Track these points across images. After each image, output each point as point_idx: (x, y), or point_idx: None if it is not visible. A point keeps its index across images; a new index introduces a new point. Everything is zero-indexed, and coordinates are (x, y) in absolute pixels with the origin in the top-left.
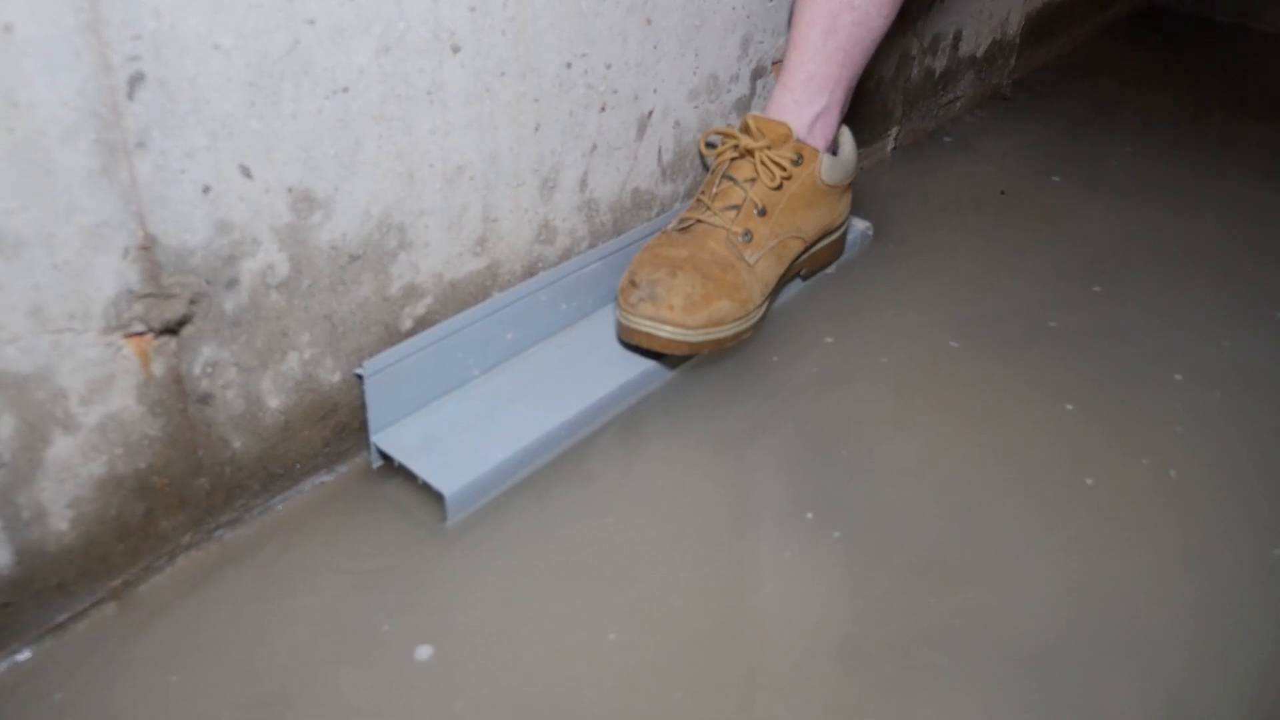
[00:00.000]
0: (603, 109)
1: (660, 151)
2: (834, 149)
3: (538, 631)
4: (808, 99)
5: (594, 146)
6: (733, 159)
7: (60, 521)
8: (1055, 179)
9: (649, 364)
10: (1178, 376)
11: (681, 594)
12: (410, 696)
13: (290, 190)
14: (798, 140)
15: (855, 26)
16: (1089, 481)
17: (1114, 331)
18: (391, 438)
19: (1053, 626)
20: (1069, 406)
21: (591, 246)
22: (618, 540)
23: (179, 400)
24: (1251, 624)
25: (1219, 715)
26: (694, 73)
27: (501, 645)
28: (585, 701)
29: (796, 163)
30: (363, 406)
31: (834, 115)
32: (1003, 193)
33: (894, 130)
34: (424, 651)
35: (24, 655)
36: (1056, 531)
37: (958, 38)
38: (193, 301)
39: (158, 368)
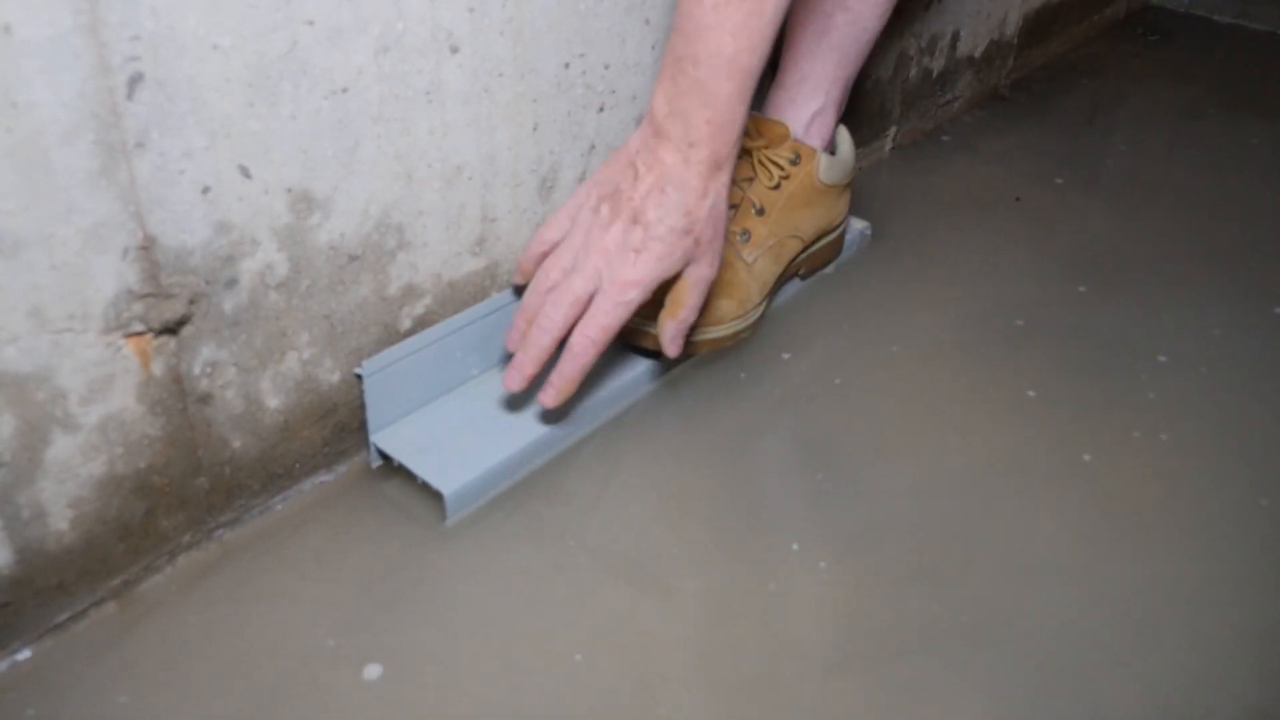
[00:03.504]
0: (601, 109)
1: None
2: (832, 149)
3: (514, 647)
4: (803, 99)
5: (592, 146)
6: None
7: (60, 521)
8: (1058, 180)
9: (647, 364)
10: (1161, 358)
11: (665, 617)
12: (357, 716)
13: (289, 190)
14: (795, 140)
15: (849, 26)
16: (1086, 458)
17: (1106, 322)
18: (391, 437)
19: (1060, 618)
20: (1059, 397)
21: None
22: (594, 559)
23: (179, 400)
24: (1256, 605)
25: (1221, 700)
26: None
27: (471, 661)
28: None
29: (794, 162)
30: (362, 406)
31: (830, 115)
32: (1018, 199)
33: (892, 130)
34: (372, 671)
35: (24, 654)
36: (1059, 510)
37: (955, 38)
38: (192, 301)
39: (157, 367)
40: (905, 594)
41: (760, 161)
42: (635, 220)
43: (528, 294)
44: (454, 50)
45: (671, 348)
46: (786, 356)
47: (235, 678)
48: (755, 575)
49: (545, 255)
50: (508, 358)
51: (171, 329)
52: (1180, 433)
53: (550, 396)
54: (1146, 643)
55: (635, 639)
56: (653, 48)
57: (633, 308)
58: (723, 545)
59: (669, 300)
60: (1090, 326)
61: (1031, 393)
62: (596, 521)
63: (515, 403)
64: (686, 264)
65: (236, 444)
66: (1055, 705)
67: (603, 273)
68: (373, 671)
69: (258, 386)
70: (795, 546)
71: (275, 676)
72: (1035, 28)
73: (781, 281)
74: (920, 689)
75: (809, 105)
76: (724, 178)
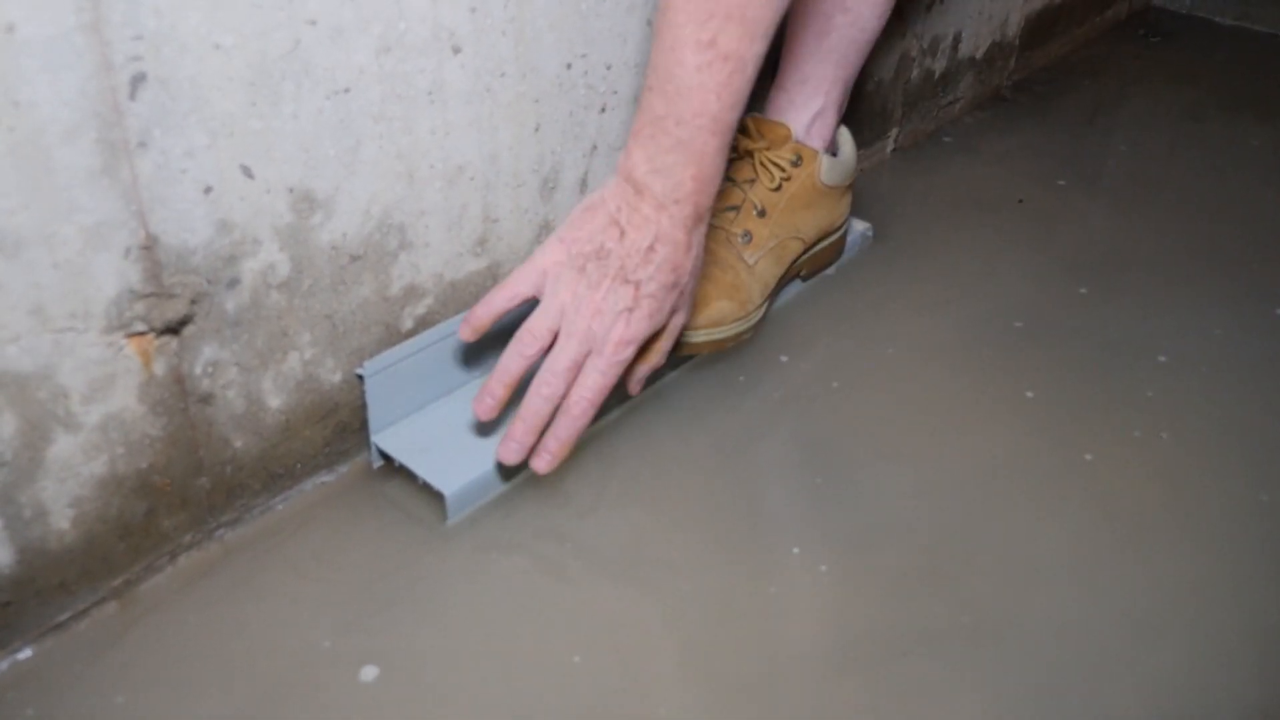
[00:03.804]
0: (603, 110)
1: None
2: (834, 150)
3: (511, 648)
4: (803, 101)
5: (594, 147)
6: (732, 160)
7: (61, 520)
8: (1060, 182)
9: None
10: (1161, 358)
11: (663, 619)
12: (354, 717)
13: (291, 190)
14: (797, 141)
15: (849, 27)
16: (1088, 457)
17: (1107, 322)
18: (392, 438)
19: (1062, 617)
20: (1060, 398)
21: None
22: (592, 561)
23: (180, 400)
24: (1258, 602)
25: (1222, 698)
26: None
27: (469, 663)
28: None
29: (796, 164)
30: (363, 406)
31: (831, 116)
32: (1021, 201)
33: (894, 131)
34: (370, 672)
35: (25, 654)
36: (1061, 509)
37: (957, 39)
38: (194, 301)
39: (159, 367)
40: (907, 595)
41: (762, 163)
42: (625, 280)
43: (508, 357)
44: (456, 50)
45: (636, 388)
46: (786, 358)
47: (233, 678)
48: (754, 578)
49: (506, 311)
50: None
51: (173, 329)
52: (1181, 431)
53: (545, 462)
54: (1148, 641)
55: (633, 641)
56: None
57: (626, 365)
58: (722, 548)
59: (647, 348)
60: (1091, 327)
61: (1032, 393)
62: (595, 524)
63: (517, 403)
64: (672, 314)
65: (238, 444)
66: (1057, 704)
67: (595, 334)
68: (369, 673)
69: (259, 386)
70: (796, 550)
71: (273, 677)
72: (1037, 29)
73: (783, 283)
74: (922, 689)
75: (809, 107)
76: (704, 227)
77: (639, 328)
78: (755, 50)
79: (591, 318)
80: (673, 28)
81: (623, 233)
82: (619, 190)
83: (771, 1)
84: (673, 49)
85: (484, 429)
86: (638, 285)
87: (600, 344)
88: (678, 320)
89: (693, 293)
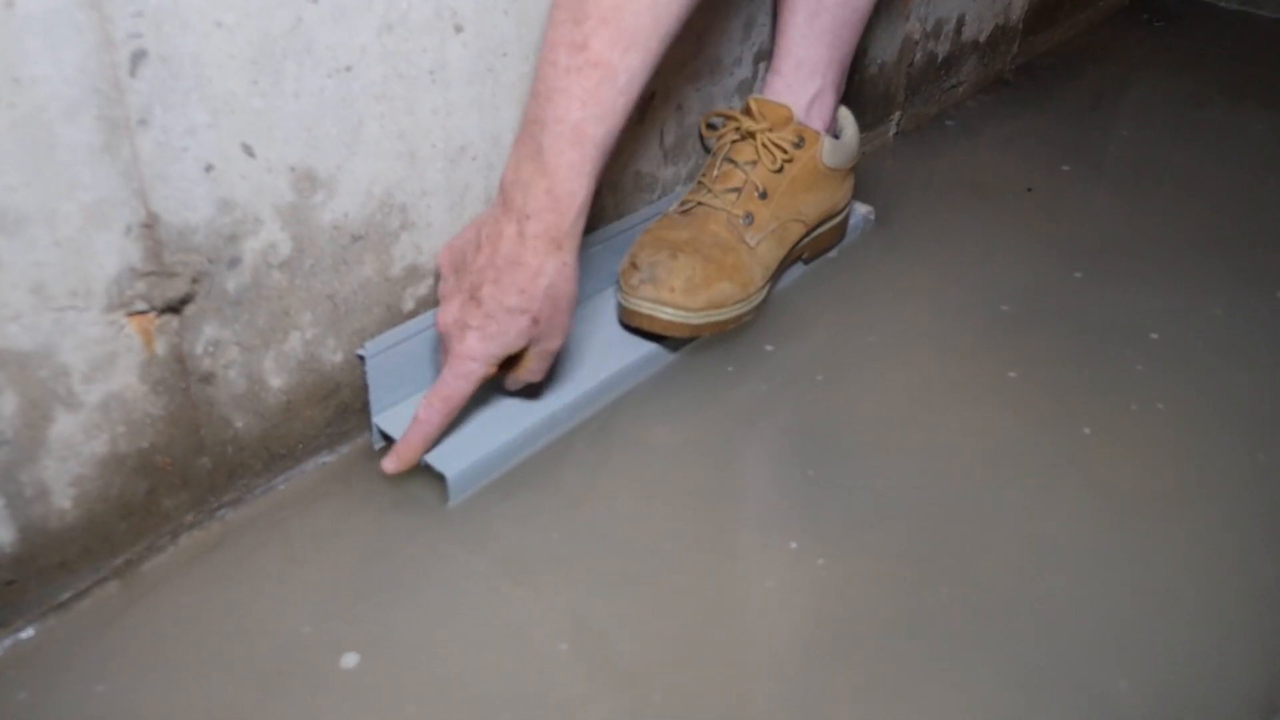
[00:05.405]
0: None
1: (662, 134)
2: (836, 132)
3: (500, 635)
4: (800, 83)
5: None
6: (734, 141)
7: (63, 500)
8: (1064, 167)
9: (650, 347)
10: (1154, 335)
11: (651, 609)
12: (340, 709)
13: (292, 169)
14: (799, 123)
15: (840, 7)
16: (1086, 431)
17: (1104, 303)
18: (393, 418)
19: (1070, 590)
20: (1059, 378)
21: (592, 229)
22: (582, 550)
23: (181, 379)
24: (1264, 564)
25: (1233, 659)
26: (696, 56)
27: (457, 649)
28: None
29: (798, 145)
30: (365, 387)
31: (829, 98)
32: (1029, 190)
33: (896, 115)
34: (350, 659)
35: (27, 633)
36: (1062, 484)
37: (961, 23)
38: (195, 280)
39: (160, 346)
40: (911, 581)
41: (763, 145)
42: (472, 296)
43: None
44: (458, 29)
45: (511, 386)
46: (784, 344)
47: (221, 663)
48: (751, 572)
49: None
50: None
51: (174, 308)
52: (1177, 402)
53: (390, 463)
54: (1156, 611)
55: (625, 631)
56: None
57: (475, 379)
58: (716, 540)
59: (516, 362)
60: (1086, 309)
61: (1020, 373)
62: (586, 513)
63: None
64: (529, 341)
65: (239, 423)
66: (1068, 678)
67: (446, 344)
68: (350, 660)
69: (260, 366)
70: (794, 545)
71: (257, 662)
72: (1040, 12)
73: (785, 265)
74: (930, 673)
75: (806, 90)
76: (565, 257)
77: (482, 347)
78: (629, 61)
79: (442, 329)
80: (553, 25)
81: (479, 247)
82: (497, 200)
83: (651, 10)
84: (551, 48)
85: (485, 412)
86: (480, 304)
87: (449, 356)
88: (544, 347)
89: (562, 321)
